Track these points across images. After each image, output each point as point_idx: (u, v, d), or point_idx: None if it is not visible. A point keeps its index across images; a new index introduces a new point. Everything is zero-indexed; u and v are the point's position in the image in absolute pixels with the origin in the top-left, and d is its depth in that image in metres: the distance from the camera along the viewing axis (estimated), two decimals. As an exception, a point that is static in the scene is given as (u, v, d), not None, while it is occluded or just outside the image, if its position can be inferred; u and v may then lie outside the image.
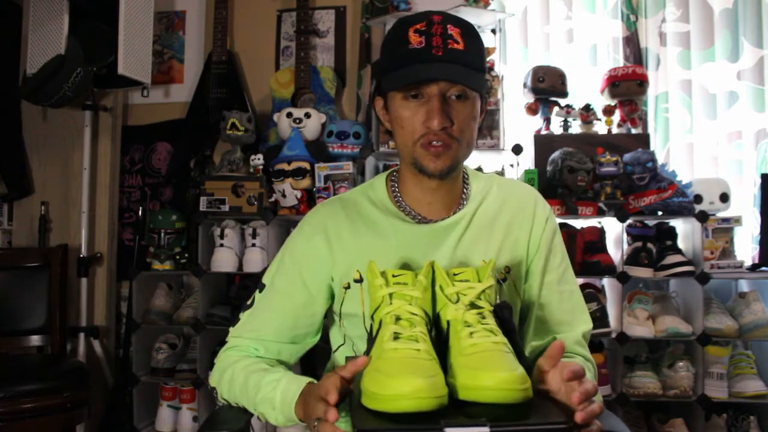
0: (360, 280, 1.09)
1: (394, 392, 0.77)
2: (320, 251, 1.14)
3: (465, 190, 1.17)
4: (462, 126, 1.05)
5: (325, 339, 1.24)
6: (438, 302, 0.95)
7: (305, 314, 1.16)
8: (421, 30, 1.03)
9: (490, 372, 0.80)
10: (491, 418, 0.76)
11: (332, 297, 1.17)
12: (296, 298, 1.15)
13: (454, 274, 0.96)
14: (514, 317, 1.12)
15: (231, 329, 1.20)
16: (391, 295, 0.93)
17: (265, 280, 1.20)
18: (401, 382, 0.78)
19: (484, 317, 0.90)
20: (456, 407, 0.81)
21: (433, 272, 0.98)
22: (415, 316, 0.91)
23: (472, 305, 0.92)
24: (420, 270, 0.97)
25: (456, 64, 1.02)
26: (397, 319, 0.91)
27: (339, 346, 1.20)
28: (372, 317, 0.95)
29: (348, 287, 1.11)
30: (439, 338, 0.93)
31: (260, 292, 1.19)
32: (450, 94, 1.04)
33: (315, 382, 1.01)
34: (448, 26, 1.03)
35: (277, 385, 1.03)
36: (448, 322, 0.92)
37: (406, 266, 1.08)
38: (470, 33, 1.06)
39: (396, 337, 0.87)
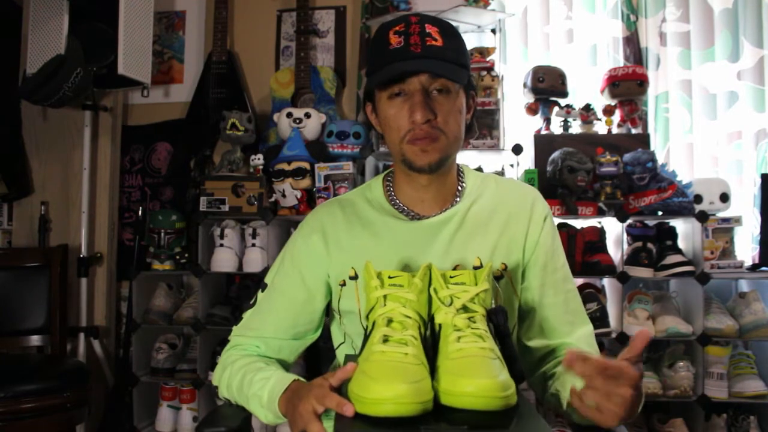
0: (355, 277, 1.10)
1: (377, 396, 0.78)
2: (317, 249, 1.17)
3: (459, 187, 1.18)
4: (446, 118, 1.06)
5: (327, 338, 1.25)
6: (433, 305, 0.95)
7: (305, 311, 1.18)
8: (400, 31, 1.05)
9: (470, 378, 0.79)
10: (472, 425, 0.76)
11: (330, 294, 1.19)
12: (296, 296, 1.18)
13: (450, 277, 0.95)
14: (511, 319, 1.12)
15: (234, 328, 1.22)
16: (385, 296, 0.93)
17: (267, 279, 1.23)
18: (384, 386, 0.78)
19: (474, 321, 0.90)
20: (439, 413, 0.81)
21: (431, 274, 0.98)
22: (408, 319, 0.90)
23: (465, 309, 0.91)
24: (416, 272, 0.97)
25: (434, 59, 1.03)
26: (390, 321, 0.91)
27: (340, 344, 1.22)
28: (367, 317, 0.95)
29: (344, 284, 1.13)
30: (434, 341, 0.93)
31: (262, 291, 1.22)
32: (432, 89, 1.06)
33: (301, 379, 1.02)
34: (426, 25, 1.05)
35: (266, 383, 1.04)
36: (440, 326, 0.92)
37: (392, 264, 1.09)
38: (449, 31, 1.08)
39: (385, 339, 0.88)
